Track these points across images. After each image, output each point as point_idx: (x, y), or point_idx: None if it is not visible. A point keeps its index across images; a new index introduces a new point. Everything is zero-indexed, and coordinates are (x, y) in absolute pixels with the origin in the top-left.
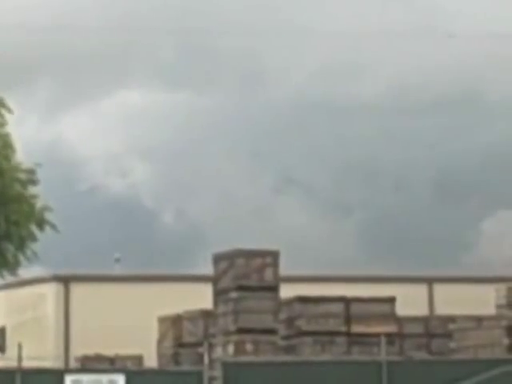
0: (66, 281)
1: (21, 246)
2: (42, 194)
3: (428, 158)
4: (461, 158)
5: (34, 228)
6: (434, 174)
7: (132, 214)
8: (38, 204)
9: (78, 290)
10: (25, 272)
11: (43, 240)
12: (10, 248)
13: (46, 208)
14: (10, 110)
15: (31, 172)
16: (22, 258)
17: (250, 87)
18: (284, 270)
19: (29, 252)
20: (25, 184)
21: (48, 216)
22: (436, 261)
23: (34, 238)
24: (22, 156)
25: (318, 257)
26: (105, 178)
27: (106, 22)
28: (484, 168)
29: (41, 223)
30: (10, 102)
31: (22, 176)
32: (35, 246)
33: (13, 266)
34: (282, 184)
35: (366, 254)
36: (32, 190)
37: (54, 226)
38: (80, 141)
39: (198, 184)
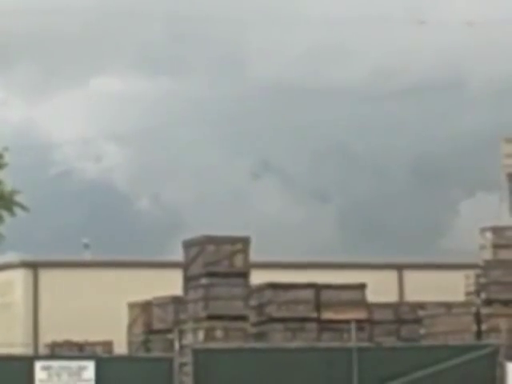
0: (34, 267)
1: None
2: (12, 177)
3: (406, 144)
4: (438, 143)
5: (1, 212)
6: (412, 159)
7: (105, 198)
8: (7, 188)
9: (46, 276)
10: None
11: (13, 225)
12: None
13: (14, 191)
14: None
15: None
16: None
17: (229, 72)
18: (259, 255)
19: None
20: None
21: (17, 198)
22: (412, 247)
23: (1, 221)
24: None
25: (294, 243)
26: (78, 163)
27: (86, 6)
28: (462, 154)
29: (9, 206)
30: None
31: None
32: (2, 229)
33: None
34: (259, 168)
35: (342, 241)
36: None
37: (23, 207)
38: (54, 125)
39: (173, 169)
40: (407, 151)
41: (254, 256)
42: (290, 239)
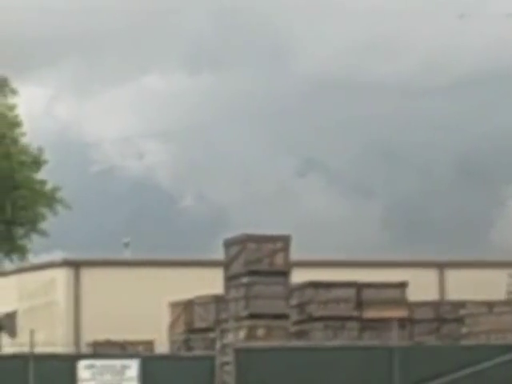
0: (76, 266)
1: (29, 230)
2: (54, 175)
3: (452, 140)
4: (485, 139)
5: (43, 210)
6: (458, 155)
7: (149, 196)
8: (48, 186)
9: (88, 275)
10: (37, 256)
11: (56, 224)
12: (18, 232)
13: (56, 188)
14: (14, 91)
15: (38, 154)
16: (29, 242)
17: (274, 68)
18: (304, 253)
19: (37, 235)
20: (32, 166)
21: (59, 195)
22: (457, 244)
23: (43, 218)
24: (34, 135)
25: (338, 240)
26: (121, 160)
27: (133, 5)
28: (509, 150)
29: (51, 203)
30: (34, 83)
31: (29, 159)
32: (46, 227)
33: (22, 251)
34: (304, 166)
35: (385, 238)
36: (41, 173)
37: (65, 205)
38: (98, 123)
39: (217, 166)
40: (453, 147)
41: (296, 254)
42: (335, 236)
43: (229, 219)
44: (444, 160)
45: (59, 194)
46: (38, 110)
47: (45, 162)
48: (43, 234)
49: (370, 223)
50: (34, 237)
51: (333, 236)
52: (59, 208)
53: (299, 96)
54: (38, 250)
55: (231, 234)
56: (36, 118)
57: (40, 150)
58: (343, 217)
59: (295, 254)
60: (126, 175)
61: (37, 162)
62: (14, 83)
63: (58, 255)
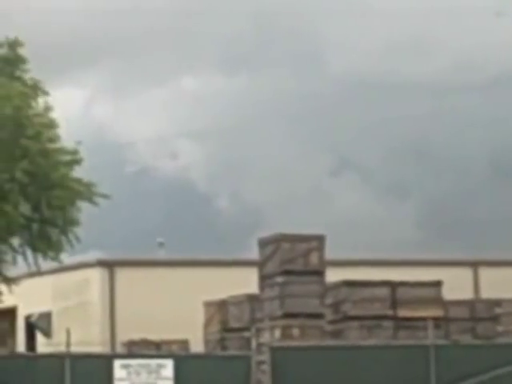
0: (110, 266)
1: (64, 230)
2: (89, 175)
3: (486, 138)
4: None
5: (80, 206)
6: (492, 154)
7: (183, 196)
8: (83, 181)
9: (122, 275)
10: (73, 257)
11: (92, 224)
12: (54, 232)
13: (91, 183)
14: (45, 93)
15: (74, 153)
16: (64, 241)
17: (308, 67)
18: (340, 252)
19: (71, 236)
20: (69, 165)
21: (95, 189)
22: (490, 243)
23: (76, 223)
24: (71, 136)
25: (372, 240)
26: (154, 161)
27: (170, 5)
28: None
29: (90, 197)
30: (72, 84)
31: (67, 158)
32: (80, 227)
33: (57, 250)
34: (338, 165)
35: (420, 237)
36: (76, 172)
37: (104, 195)
38: (132, 123)
39: (252, 166)
40: (487, 146)
41: (330, 254)
42: (369, 235)
43: (263, 219)
44: (479, 159)
45: (95, 189)
46: (75, 111)
47: (80, 160)
48: (77, 239)
49: (404, 222)
50: (70, 237)
51: (367, 235)
52: (99, 200)
53: (333, 96)
54: (73, 250)
55: (266, 233)
56: (73, 119)
57: (76, 149)
58: (377, 216)
59: (330, 253)
60: (160, 175)
61: (72, 161)
62: (52, 84)
63: (93, 255)
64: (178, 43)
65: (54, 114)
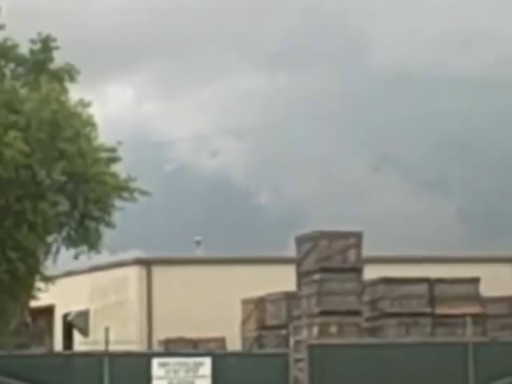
0: (148, 264)
1: (101, 221)
2: (129, 172)
3: None
4: None
5: (116, 202)
6: None
7: (223, 194)
8: (121, 178)
9: (160, 274)
10: (114, 255)
11: (132, 223)
12: (91, 225)
13: (129, 179)
14: (73, 79)
15: (113, 150)
16: (102, 237)
17: (349, 62)
18: (380, 249)
19: (108, 228)
20: (106, 163)
21: (134, 185)
22: None
23: (112, 225)
24: (116, 134)
25: (413, 236)
26: (194, 158)
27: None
28: None
29: (130, 192)
30: (116, 83)
31: (104, 155)
32: (120, 224)
33: (95, 242)
34: (378, 161)
35: (462, 234)
36: (114, 167)
37: (143, 192)
38: (172, 122)
39: (292, 163)
40: None
41: (370, 250)
42: (410, 232)
43: (304, 216)
44: None
45: (134, 184)
46: (122, 110)
47: (119, 158)
48: (112, 226)
49: (446, 219)
50: (108, 233)
51: (408, 232)
52: (136, 195)
53: (375, 91)
54: (113, 248)
55: (306, 230)
56: (116, 117)
57: (114, 147)
58: (418, 212)
59: (370, 250)
60: (200, 173)
61: (110, 159)
62: (102, 83)
63: (133, 254)
64: (221, 42)
65: (93, 110)
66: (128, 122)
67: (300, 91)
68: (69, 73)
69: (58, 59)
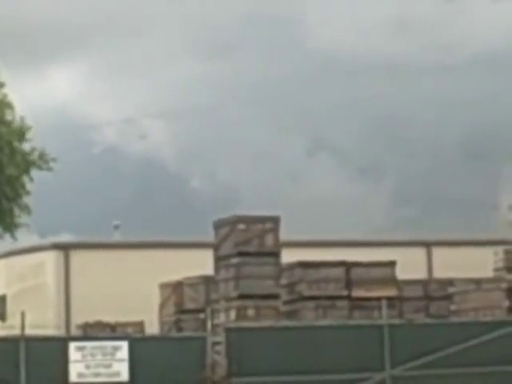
0: (65, 248)
1: (15, 199)
2: (56, 156)
3: (460, 119)
4: (490, 119)
5: (27, 181)
6: (463, 135)
7: (153, 177)
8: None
9: (77, 258)
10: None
11: (64, 206)
12: (4, 204)
13: (42, 155)
14: None
15: (25, 131)
16: (16, 211)
17: (281, 51)
18: (311, 232)
19: (22, 206)
20: (17, 137)
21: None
22: (463, 222)
23: (27, 193)
24: (39, 116)
25: (347, 219)
26: (121, 140)
27: None
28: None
29: (40, 165)
30: (53, 65)
31: (15, 137)
32: (28, 200)
33: (10, 223)
34: (313, 146)
35: (392, 218)
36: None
37: (54, 159)
38: (99, 105)
39: (226, 147)
40: (461, 126)
41: (303, 234)
42: (343, 216)
43: (238, 200)
44: (451, 140)
45: (44, 156)
46: (50, 94)
47: (28, 128)
48: (27, 209)
49: (377, 203)
50: (36, 216)
51: (341, 215)
52: (52, 164)
53: (307, 77)
54: (43, 232)
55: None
56: (46, 101)
57: (22, 119)
58: (352, 196)
59: (304, 234)
60: (128, 156)
61: (19, 132)
62: (40, 66)
63: (66, 238)
64: (156, 28)
65: (5, 92)
66: (57, 105)
67: (235, 77)
68: None
69: None
